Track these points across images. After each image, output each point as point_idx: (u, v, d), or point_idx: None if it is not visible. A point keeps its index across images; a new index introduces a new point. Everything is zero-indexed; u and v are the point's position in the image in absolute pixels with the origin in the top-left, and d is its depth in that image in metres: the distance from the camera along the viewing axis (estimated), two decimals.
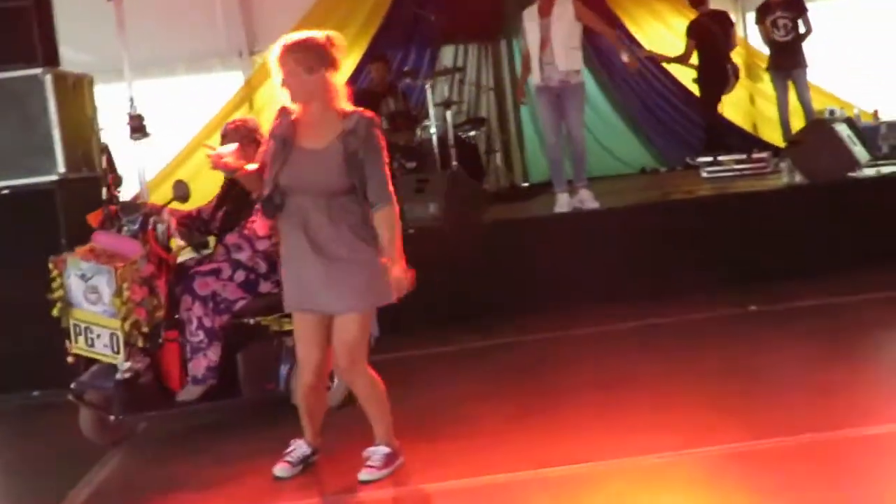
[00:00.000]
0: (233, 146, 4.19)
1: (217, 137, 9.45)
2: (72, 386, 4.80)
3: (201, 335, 4.84)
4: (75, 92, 6.52)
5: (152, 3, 9.25)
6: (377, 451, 4.14)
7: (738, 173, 8.77)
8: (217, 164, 3.99)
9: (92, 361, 4.83)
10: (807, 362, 5.19)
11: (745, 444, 4.02)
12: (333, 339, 4.03)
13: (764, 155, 9.00)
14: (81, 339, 4.60)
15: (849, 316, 6.06)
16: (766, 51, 10.11)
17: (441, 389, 5.32)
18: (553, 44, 7.31)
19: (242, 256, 5.02)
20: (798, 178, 7.57)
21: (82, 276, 4.54)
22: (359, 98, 7.90)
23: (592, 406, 4.79)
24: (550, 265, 6.87)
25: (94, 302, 4.54)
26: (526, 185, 10.59)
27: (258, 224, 4.53)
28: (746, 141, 10.37)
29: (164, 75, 10.42)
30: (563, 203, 7.56)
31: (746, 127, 10.85)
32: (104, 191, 5.25)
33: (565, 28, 7.31)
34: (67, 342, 4.64)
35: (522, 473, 4.05)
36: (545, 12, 7.35)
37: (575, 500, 3.81)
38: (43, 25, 6.37)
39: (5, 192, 6.24)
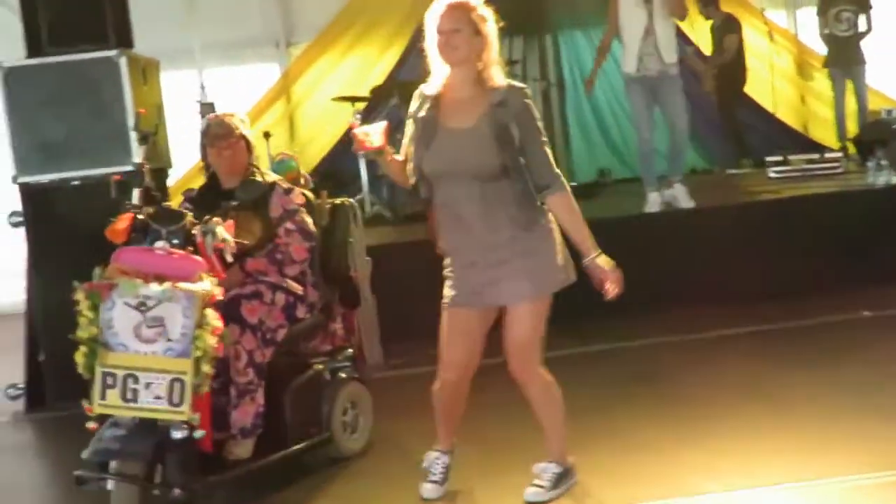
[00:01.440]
0: (382, 124, 3.69)
1: (255, 130, 9.46)
2: (85, 457, 3.46)
3: (251, 374, 3.99)
4: (146, 77, 6.14)
5: None
6: (548, 469, 3.78)
7: (808, 174, 8.47)
8: (360, 145, 3.60)
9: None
10: None
11: None
12: (505, 338, 3.66)
13: (837, 154, 8.77)
14: (115, 392, 3.37)
15: None
16: (817, 48, 9.93)
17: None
18: (658, 32, 7.00)
19: (273, 280, 4.24)
20: (891, 177, 7.32)
21: (140, 306, 3.37)
22: (404, 90, 7.67)
23: (747, 420, 4.48)
24: (645, 266, 6.55)
25: (150, 340, 3.38)
26: (574, 184, 10.29)
27: (295, 247, 4.20)
28: (797, 142, 10.15)
29: (193, 66, 9.99)
30: (653, 202, 7.23)
31: (797, 127, 10.54)
32: (135, 193, 4.11)
33: (667, 16, 7.04)
34: (85, 401, 3.45)
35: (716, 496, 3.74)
36: None
37: None
38: (116, 5, 6.04)
39: (76, 182, 5.86)
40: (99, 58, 5.82)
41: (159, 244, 3.58)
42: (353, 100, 8.57)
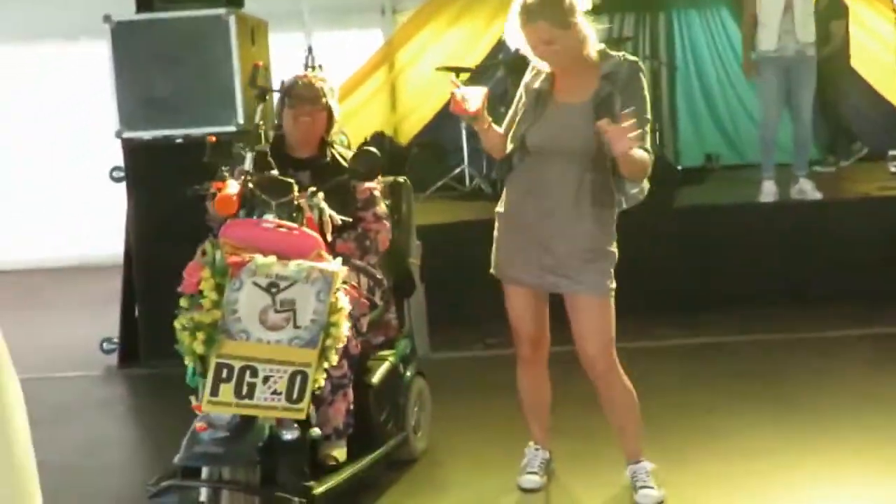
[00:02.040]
0: (483, 89, 3.45)
1: (356, 97, 9.39)
2: (181, 462, 2.97)
3: (345, 366, 3.49)
4: (255, 37, 6.07)
5: None
6: (642, 468, 3.61)
7: None
8: (457, 107, 3.38)
9: None
10: None
11: None
12: (577, 330, 3.48)
13: None
14: (229, 387, 2.89)
15: None
16: None
17: (663, 390, 4.65)
18: (795, 8, 6.71)
19: (359, 264, 3.85)
20: None
21: (270, 287, 2.90)
22: (511, 66, 7.48)
23: (867, 429, 4.22)
24: (758, 258, 6.31)
25: (276, 326, 2.91)
26: (679, 168, 10.00)
27: (382, 236, 3.88)
28: None
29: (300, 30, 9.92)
30: (769, 192, 6.92)
31: None
32: (248, 158, 3.54)
33: None
34: (194, 398, 3.03)
35: None
36: None
37: None
38: None
39: (179, 140, 5.83)
40: (208, 16, 5.77)
41: (268, 217, 3.13)
42: (458, 70, 8.40)
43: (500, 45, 9.52)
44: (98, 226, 8.48)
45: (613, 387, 3.55)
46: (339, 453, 3.51)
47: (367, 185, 3.82)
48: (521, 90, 3.56)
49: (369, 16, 10.20)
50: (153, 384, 5.73)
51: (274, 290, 2.90)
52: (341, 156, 3.88)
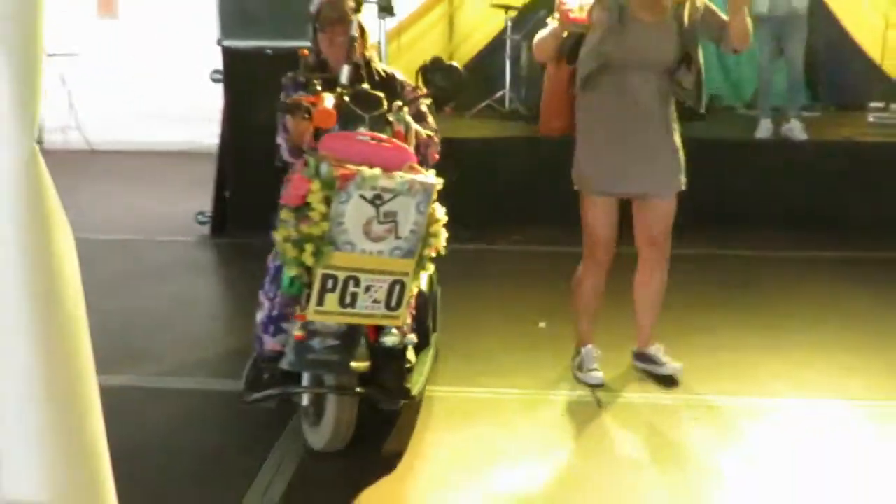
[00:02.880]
0: (589, 1, 3.19)
1: (419, 27, 9.13)
2: (290, 366, 2.76)
3: None
4: None
5: None
6: (659, 348, 3.62)
7: None
8: (566, 16, 3.16)
9: None
10: None
11: None
12: (650, 227, 3.38)
13: None
14: (334, 297, 2.62)
15: None
16: None
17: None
18: None
19: None
20: None
21: (375, 199, 2.58)
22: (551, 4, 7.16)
23: (825, 336, 4.14)
24: (750, 187, 6.12)
25: (379, 237, 2.61)
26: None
27: (432, 151, 3.18)
28: None
29: None
30: (764, 129, 6.65)
31: None
32: (345, 71, 3.03)
33: None
34: (299, 307, 2.76)
35: (788, 400, 3.46)
36: None
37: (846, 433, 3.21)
38: None
39: (269, 51, 5.72)
40: None
41: (362, 130, 2.81)
42: (507, 8, 8.15)
43: None
44: (201, 117, 8.43)
45: (662, 269, 3.48)
46: (411, 355, 3.19)
47: (412, 96, 3.24)
48: (596, 5, 3.22)
49: None
50: (237, 251, 5.75)
51: (378, 202, 2.59)
52: (384, 71, 3.33)
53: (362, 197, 2.57)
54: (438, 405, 3.36)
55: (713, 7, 3.30)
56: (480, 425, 3.17)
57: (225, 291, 5.44)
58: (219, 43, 5.78)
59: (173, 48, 9.11)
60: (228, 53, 5.83)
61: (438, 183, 2.72)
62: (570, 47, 3.30)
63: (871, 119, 7.89)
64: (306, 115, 2.78)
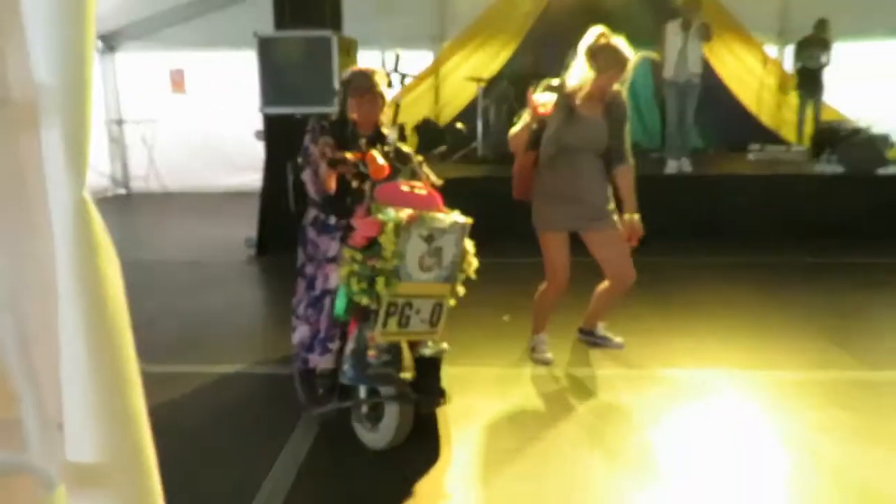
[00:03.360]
0: (553, 97, 3.21)
1: (413, 94, 9.13)
2: (354, 381, 2.57)
3: None
4: (349, 51, 5.87)
5: None
6: (603, 327, 3.75)
7: (777, 160, 7.74)
8: (537, 111, 3.18)
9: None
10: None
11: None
12: (608, 251, 3.34)
13: (802, 149, 7.94)
14: (394, 320, 2.51)
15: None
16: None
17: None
18: (689, 51, 6.47)
19: None
20: (837, 168, 6.61)
21: (428, 238, 2.50)
22: (511, 78, 7.19)
23: (720, 324, 4.13)
24: (658, 208, 6.07)
25: (429, 268, 2.53)
26: None
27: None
28: (770, 137, 9.26)
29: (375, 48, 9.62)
30: (672, 167, 6.72)
31: (772, 127, 9.59)
32: (394, 131, 3.08)
33: (698, 40, 6.48)
34: (370, 332, 2.53)
35: (692, 371, 3.44)
36: (686, 26, 6.44)
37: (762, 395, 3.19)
38: (333, 1, 5.72)
39: (298, 116, 5.69)
40: (319, 35, 5.55)
41: (401, 180, 2.70)
42: (478, 80, 8.16)
43: (507, 64, 9.30)
44: (249, 166, 8.41)
45: (616, 279, 3.41)
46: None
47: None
48: (554, 106, 3.22)
49: (424, 41, 9.84)
50: (274, 266, 5.72)
51: (430, 239, 2.51)
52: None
53: (419, 236, 2.48)
54: None
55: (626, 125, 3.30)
56: (461, 394, 3.14)
57: (265, 293, 5.41)
58: (260, 110, 5.77)
59: (228, 114, 9.09)
60: (267, 118, 5.82)
61: (469, 221, 2.62)
62: (534, 140, 3.28)
63: (750, 157, 7.94)
64: (357, 169, 2.62)
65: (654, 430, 2.86)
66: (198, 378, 3.37)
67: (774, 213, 6.19)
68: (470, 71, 8.92)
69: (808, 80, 8.50)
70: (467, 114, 8.60)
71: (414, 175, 2.84)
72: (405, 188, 2.62)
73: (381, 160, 2.66)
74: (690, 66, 6.48)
